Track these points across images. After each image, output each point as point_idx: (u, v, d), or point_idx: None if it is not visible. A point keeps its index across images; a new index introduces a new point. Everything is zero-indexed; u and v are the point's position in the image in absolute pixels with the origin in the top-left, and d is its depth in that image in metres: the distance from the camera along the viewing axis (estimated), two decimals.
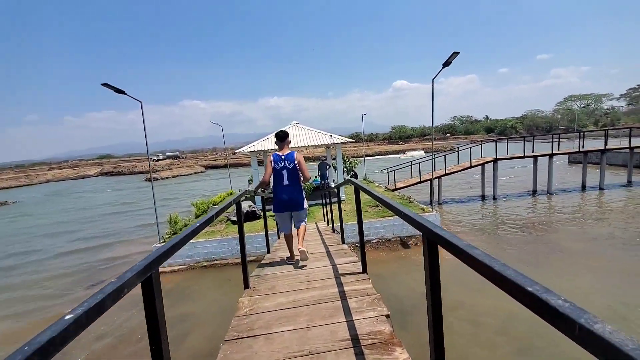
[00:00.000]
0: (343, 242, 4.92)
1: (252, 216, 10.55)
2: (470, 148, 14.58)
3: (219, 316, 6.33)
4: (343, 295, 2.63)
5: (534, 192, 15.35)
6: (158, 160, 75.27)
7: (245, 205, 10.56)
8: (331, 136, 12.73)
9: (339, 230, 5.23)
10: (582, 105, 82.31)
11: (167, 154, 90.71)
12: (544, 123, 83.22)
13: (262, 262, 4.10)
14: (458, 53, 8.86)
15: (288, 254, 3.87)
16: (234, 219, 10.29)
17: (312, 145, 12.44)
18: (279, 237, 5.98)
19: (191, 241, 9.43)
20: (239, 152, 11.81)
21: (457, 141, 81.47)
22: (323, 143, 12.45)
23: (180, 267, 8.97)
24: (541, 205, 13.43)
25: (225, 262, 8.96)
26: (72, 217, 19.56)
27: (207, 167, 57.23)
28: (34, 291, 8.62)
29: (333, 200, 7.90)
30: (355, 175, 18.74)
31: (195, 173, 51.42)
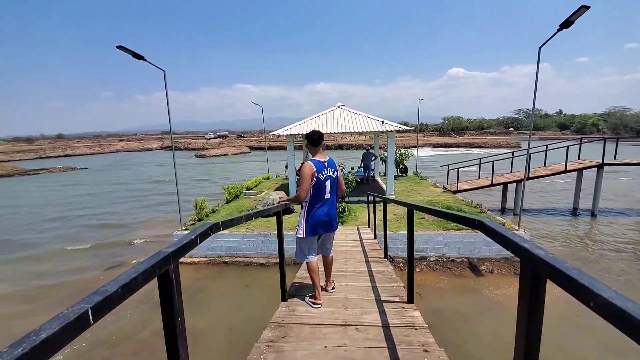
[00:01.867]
0: (386, 256, 4.36)
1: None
2: (568, 148, 11.22)
3: (225, 343, 5.06)
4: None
5: None
6: (210, 139, 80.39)
7: (276, 197, 9.17)
8: (383, 122, 10.59)
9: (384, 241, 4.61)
10: None
11: (217, 133, 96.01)
12: (634, 122, 68.58)
13: (295, 281, 3.48)
14: (588, 7, 6.04)
15: (312, 291, 3.01)
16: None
17: (357, 132, 10.46)
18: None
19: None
20: (275, 134, 10.35)
21: (522, 137, 71.37)
22: (373, 130, 10.40)
23: (201, 259, 8.00)
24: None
25: (249, 261, 7.74)
26: (118, 188, 20.59)
27: (252, 148, 58.55)
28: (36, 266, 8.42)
29: (377, 199, 6.18)
30: (405, 170, 16.32)
31: (241, 153, 52.97)
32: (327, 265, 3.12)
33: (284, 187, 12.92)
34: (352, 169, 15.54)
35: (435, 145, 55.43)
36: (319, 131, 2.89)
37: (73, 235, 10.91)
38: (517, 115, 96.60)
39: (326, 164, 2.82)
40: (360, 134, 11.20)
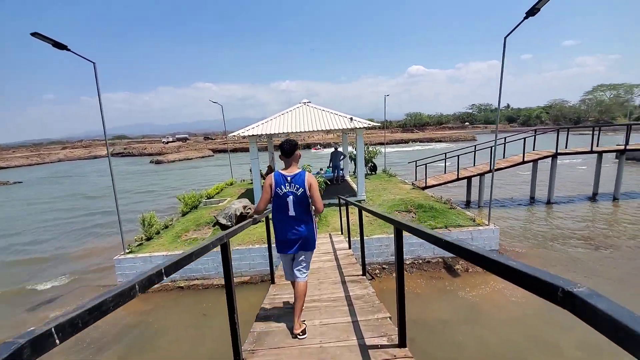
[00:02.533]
0: (364, 273, 3.82)
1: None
2: (525, 139, 11.70)
3: None
4: None
5: (594, 196, 12.48)
6: (168, 143, 74.96)
7: (239, 206, 8.25)
8: (351, 119, 10.11)
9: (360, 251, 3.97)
10: (611, 96, 75.66)
11: (177, 136, 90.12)
12: (573, 114, 77.64)
13: (264, 305, 3.15)
14: None
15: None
16: (224, 221, 8.04)
17: (324, 130, 9.87)
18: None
19: (165, 254, 7.23)
20: (236, 134, 9.36)
21: (476, 130, 76.65)
22: (341, 127, 9.88)
23: (153, 288, 6.84)
24: (605, 212, 10.67)
25: (209, 283, 6.77)
26: (52, 206, 17.86)
27: (216, 151, 55.69)
28: None
29: (351, 199, 5.66)
30: (374, 168, 16.15)
31: (203, 157, 49.99)
32: (297, 295, 2.62)
33: (249, 193, 11.94)
34: (321, 169, 14.97)
35: (399, 142, 57.21)
36: (292, 141, 2.62)
37: None
38: (471, 110, 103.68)
39: (289, 178, 2.55)
40: (328, 132, 10.64)
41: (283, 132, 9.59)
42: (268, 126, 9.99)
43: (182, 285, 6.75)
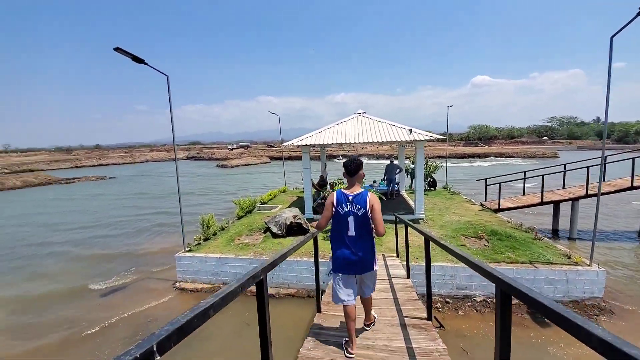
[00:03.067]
0: (430, 319, 3.09)
1: (297, 230, 8.11)
2: (633, 160, 9.34)
3: None
4: None
5: None
6: (232, 149, 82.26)
7: (290, 215, 8.17)
8: (410, 131, 9.37)
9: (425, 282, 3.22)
10: None
11: (240, 143, 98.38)
12: None
13: (307, 343, 2.78)
14: None
15: (346, 334, 2.72)
16: (275, 229, 8.03)
17: (379, 142, 9.30)
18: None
19: (219, 256, 7.48)
20: (289, 144, 9.46)
21: (558, 146, 66.03)
22: (398, 139, 9.22)
23: (204, 285, 7.11)
24: None
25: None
26: (130, 202, 20.57)
27: (273, 158, 58.77)
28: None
29: (408, 217, 4.97)
30: (434, 183, 14.82)
31: (261, 163, 53.23)
32: (365, 303, 2.96)
33: (300, 202, 11.94)
34: (375, 182, 14.29)
35: (463, 156, 52.47)
36: (356, 160, 2.63)
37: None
38: (550, 124, 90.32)
39: (351, 198, 2.56)
40: (382, 144, 10.07)
41: (336, 143, 9.34)
42: (321, 136, 9.87)
43: None
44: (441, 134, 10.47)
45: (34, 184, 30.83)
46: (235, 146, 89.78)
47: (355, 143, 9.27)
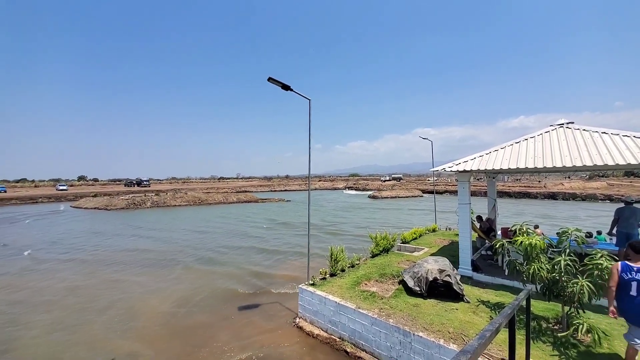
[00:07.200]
0: None
1: (444, 291, 5.74)
2: None
3: None
4: None
5: None
6: (385, 181, 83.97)
7: (435, 268, 5.94)
8: None
9: None
10: None
11: (392, 175, 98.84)
12: None
13: None
14: None
15: None
16: (412, 284, 6.04)
17: (603, 166, 5.38)
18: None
19: (338, 301, 6.28)
20: (439, 169, 7.28)
21: None
22: None
23: (321, 331, 6.15)
24: None
25: (368, 358, 5.01)
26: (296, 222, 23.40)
27: (425, 192, 54.11)
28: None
29: None
30: None
31: (412, 196, 50.07)
32: None
33: (452, 248, 9.08)
34: (589, 234, 8.92)
35: None
36: None
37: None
38: None
39: (635, 269, 3.27)
40: (611, 168, 5.88)
41: (515, 168, 6.31)
42: (489, 159, 6.98)
43: (348, 349, 5.46)
44: None
45: (243, 201, 43.03)
46: (387, 178, 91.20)
47: (552, 168, 5.93)
